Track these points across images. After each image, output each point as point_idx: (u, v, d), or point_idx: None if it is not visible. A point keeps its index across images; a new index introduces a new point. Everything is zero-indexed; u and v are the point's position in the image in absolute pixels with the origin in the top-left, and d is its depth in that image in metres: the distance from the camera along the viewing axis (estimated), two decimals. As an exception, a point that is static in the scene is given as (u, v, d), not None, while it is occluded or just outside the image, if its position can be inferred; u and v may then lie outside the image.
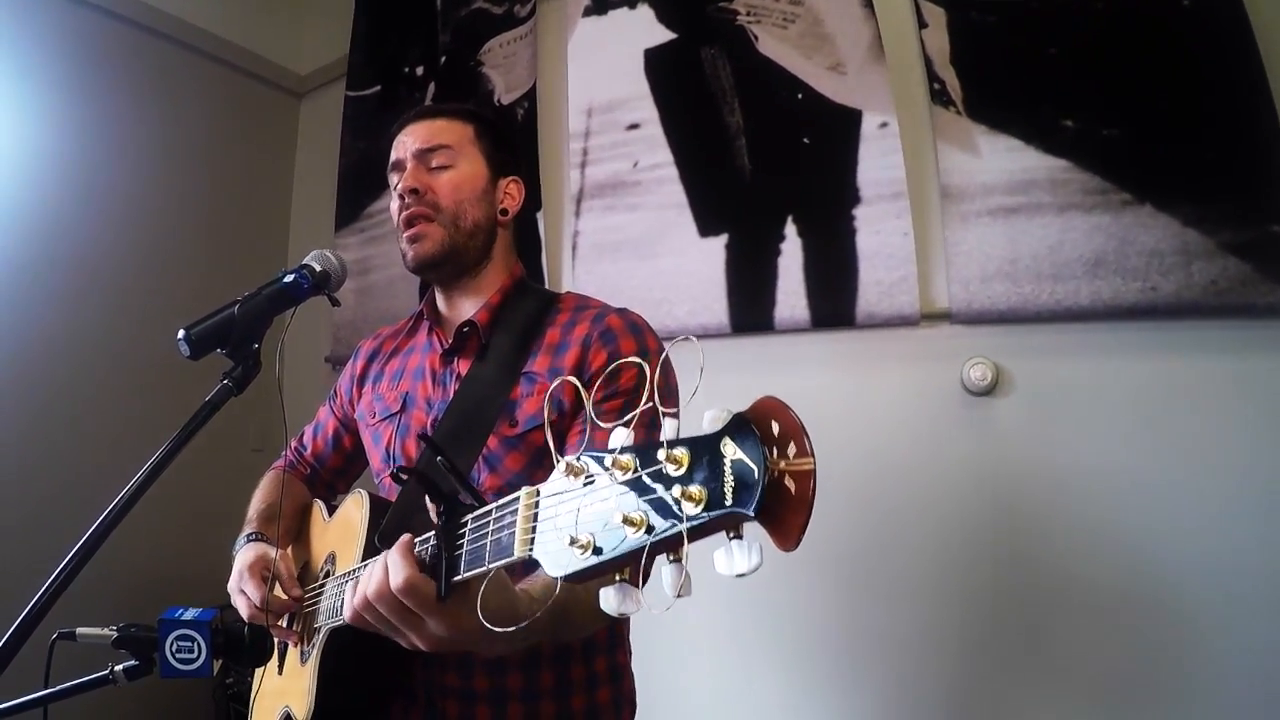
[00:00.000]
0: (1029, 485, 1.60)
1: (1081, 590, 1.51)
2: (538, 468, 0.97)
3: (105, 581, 1.47)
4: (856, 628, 1.73)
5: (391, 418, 1.13)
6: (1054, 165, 1.58)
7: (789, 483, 0.41)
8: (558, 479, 0.53)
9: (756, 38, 1.94)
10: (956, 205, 1.67)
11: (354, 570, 0.89)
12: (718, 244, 1.93)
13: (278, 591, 1.01)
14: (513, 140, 1.25)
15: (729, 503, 0.41)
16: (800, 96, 1.86)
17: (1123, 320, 1.51)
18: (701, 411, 0.45)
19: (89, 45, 2.27)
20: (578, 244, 2.14)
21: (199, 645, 0.85)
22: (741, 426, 0.42)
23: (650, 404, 0.46)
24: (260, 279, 0.97)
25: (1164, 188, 1.48)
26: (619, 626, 1.09)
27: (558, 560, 0.50)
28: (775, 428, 0.42)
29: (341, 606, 0.78)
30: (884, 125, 1.76)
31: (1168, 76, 1.50)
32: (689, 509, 0.43)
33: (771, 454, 0.41)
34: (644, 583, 0.47)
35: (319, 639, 0.95)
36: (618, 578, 0.48)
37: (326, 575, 1.03)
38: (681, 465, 0.44)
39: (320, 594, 1.00)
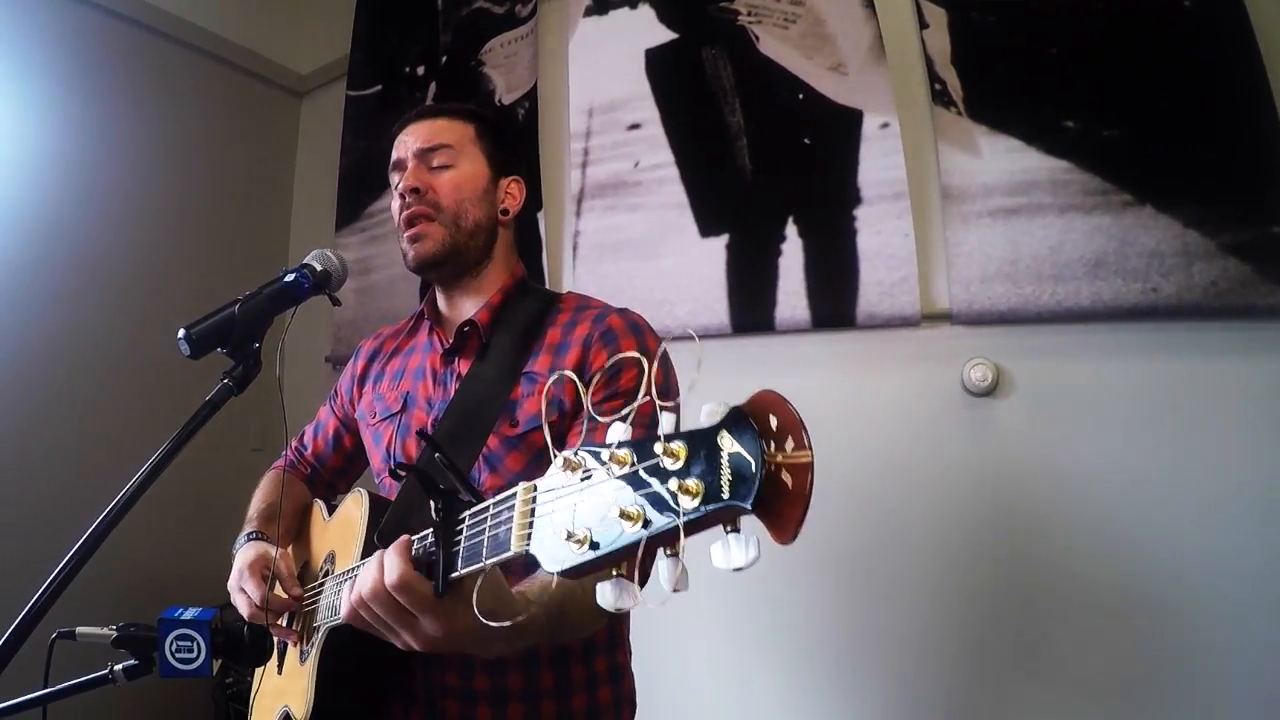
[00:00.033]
0: (1029, 486, 1.60)
1: (1081, 590, 1.51)
2: (539, 468, 0.96)
3: (105, 581, 1.47)
4: (856, 628, 1.73)
5: (392, 417, 1.13)
6: (1055, 166, 1.58)
7: (786, 476, 0.40)
8: (555, 474, 0.53)
9: (757, 38, 1.94)
10: (957, 206, 1.67)
11: (352, 569, 0.89)
12: (718, 244, 1.93)
13: (278, 590, 1.01)
14: (514, 140, 1.25)
15: (726, 496, 0.41)
16: (801, 97, 1.86)
17: (1123, 321, 1.51)
18: (701, 409, 0.45)
19: (89, 44, 2.27)
20: (578, 244, 2.14)
21: (199, 645, 0.85)
22: (739, 420, 0.42)
23: (649, 400, 0.46)
24: (261, 278, 0.97)
25: (1165, 189, 1.48)
26: (619, 626, 1.09)
27: (554, 555, 0.50)
28: (773, 421, 0.42)
29: (340, 605, 0.78)
30: (885, 126, 1.76)
31: (1168, 77, 1.50)
32: (686, 503, 0.43)
33: (769, 447, 0.41)
34: (644, 583, 0.47)
35: (318, 638, 0.95)
36: (615, 573, 0.48)
37: (326, 574, 1.03)
38: (679, 459, 0.44)
39: (320, 593, 1.00)
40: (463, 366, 1.08)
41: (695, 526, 0.44)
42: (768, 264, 1.86)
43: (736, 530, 0.43)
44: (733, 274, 1.90)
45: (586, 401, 0.51)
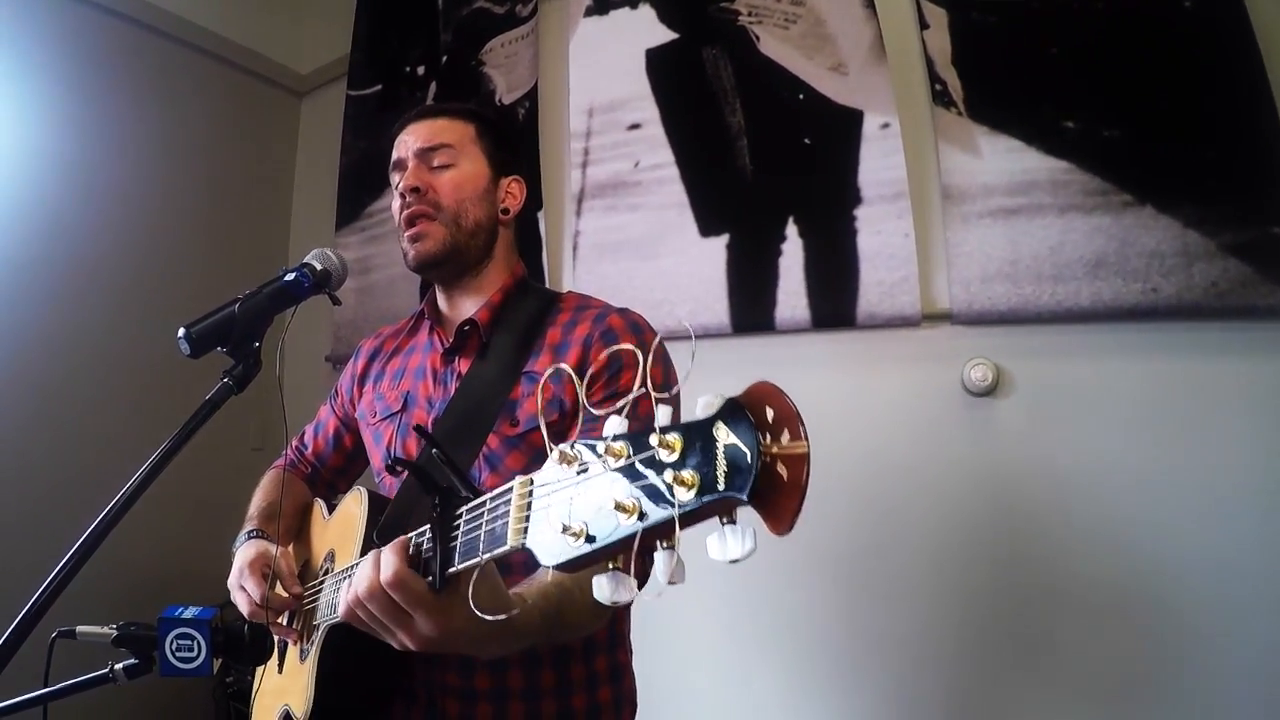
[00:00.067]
0: (1029, 486, 1.60)
1: (1082, 590, 1.51)
2: (539, 467, 0.96)
3: (105, 580, 1.47)
4: (857, 627, 1.73)
5: (392, 417, 1.13)
6: (1055, 166, 1.58)
7: (782, 467, 0.40)
8: (551, 468, 0.53)
9: (758, 38, 1.94)
10: (957, 206, 1.67)
11: (350, 567, 0.89)
12: (719, 244, 1.93)
13: (278, 589, 1.01)
14: (514, 139, 1.25)
15: (721, 487, 0.41)
16: (802, 97, 1.86)
17: (1123, 321, 1.51)
18: (697, 401, 0.45)
19: (89, 43, 2.26)
20: (578, 244, 2.14)
21: (199, 644, 0.85)
22: (734, 411, 0.42)
23: (645, 395, 0.46)
24: (261, 277, 0.97)
25: (1165, 189, 1.48)
26: (620, 625, 1.09)
27: (550, 549, 0.50)
28: (769, 412, 0.41)
29: (338, 603, 0.78)
30: (885, 126, 1.76)
31: (1169, 77, 1.50)
32: (681, 494, 0.43)
33: (765, 438, 0.41)
34: (644, 582, 0.47)
35: (318, 636, 0.95)
36: (611, 566, 0.47)
37: (326, 573, 1.03)
38: (674, 451, 0.44)
39: (319, 591, 1.00)
40: (463, 366, 1.08)
41: (691, 518, 0.43)
42: (768, 264, 1.86)
43: (733, 522, 0.42)
44: (733, 274, 1.90)
45: (582, 394, 0.51)
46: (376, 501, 0.99)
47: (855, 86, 1.81)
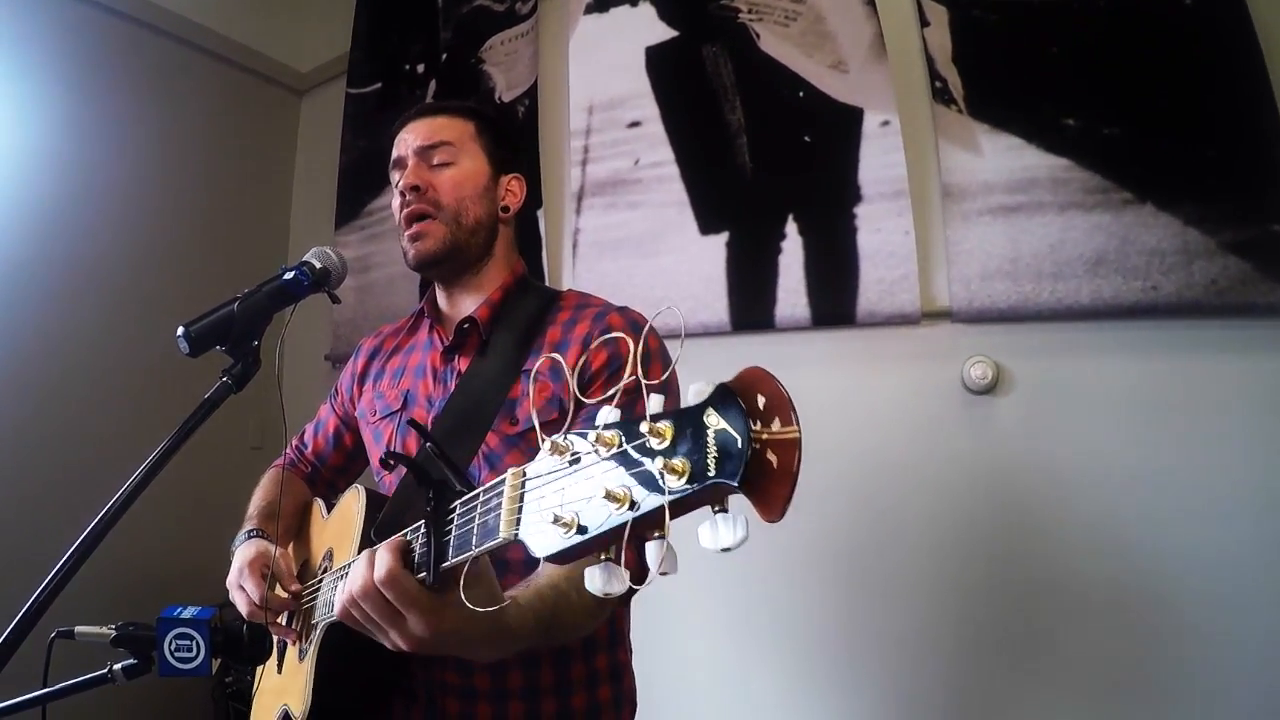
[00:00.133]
0: (1029, 484, 1.60)
1: (1081, 588, 1.51)
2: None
3: (104, 580, 1.47)
4: (856, 625, 1.73)
5: (392, 415, 1.12)
6: (1055, 164, 1.58)
7: (773, 453, 0.40)
8: (544, 459, 0.52)
9: (758, 35, 1.93)
10: (958, 204, 1.67)
11: (347, 565, 0.89)
12: (718, 242, 1.93)
13: (277, 590, 1.01)
14: (514, 137, 1.24)
15: (712, 474, 0.41)
16: (802, 94, 1.86)
17: (1123, 319, 1.51)
18: (689, 393, 0.44)
19: (88, 42, 2.26)
20: (578, 242, 2.14)
21: (198, 644, 0.85)
22: (725, 397, 0.42)
23: (637, 385, 0.46)
24: (260, 276, 0.96)
25: (1165, 187, 1.48)
26: (619, 624, 1.09)
27: (542, 540, 0.50)
28: (760, 398, 0.41)
29: (335, 602, 0.78)
30: (885, 123, 1.76)
31: (1169, 75, 1.50)
32: (671, 482, 0.42)
33: (755, 424, 0.40)
34: (643, 579, 0.46)
35: (316, 635, 0.95)
36: (603, 557, 0.47)
37: (325, 571, 1.03)
38: (665, 438, 0.44)
39: (318, 590, 1.00)
40: (462, 364, 1.08)
41: (682, 506, 0.43)
42: (768, 262, 1.85)
43: (725, 510, 0.42)
44: (733, 272, 1.90)
45: (573, 384, 0.50)
46: (374, 499, 0.99)
47: (855, 84, 1.81)
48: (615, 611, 1.04)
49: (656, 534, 0.44)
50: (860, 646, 1.72)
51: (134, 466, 0.81)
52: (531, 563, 0.52)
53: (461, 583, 0.59)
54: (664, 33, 2.08)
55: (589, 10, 2.21)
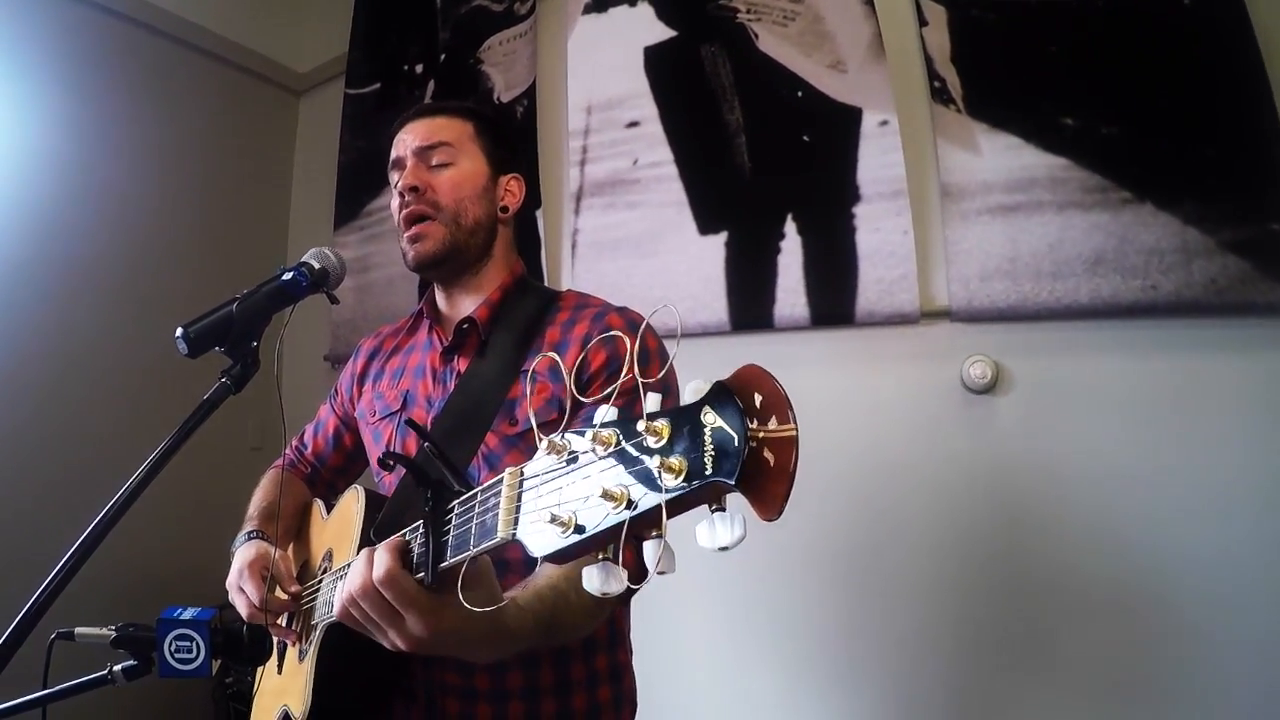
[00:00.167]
0: (1028, 483, 1.60)
1: (1080, 587, 1.52)
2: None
3: (104, 581, 1.47)
4: (856, 625, 1.73)
5: (392, 416, 1.12)
6: (1054, 163, 1.58)
7: (770, 451, 0.40)
8: (541, 458, 0.52)
9: (756, 35, 1.93)
10: (956, 203, 1.67)
11: (346, 565, 0.89)
12: (717, 242, 1.93)
13: (277, 592, 1.01)
14: (512, 137, 1.24)
15: (709, 472, 0.41)
16: (800, 94, 1.86)
17: (1122, 318, 1.51)
18: (686, 391, 0.44)
19: (86, 42, 2.26)
20: (577, 242, 2.14)
21: (198, 645, 0.84)
22: (721, 395, 0.42)
23: (632, 377, 0.46)
24: (259, 277, 0.96)
25: (1164, 186, 1.48)
26: (620, 624, 1.09)
27: (540, 540, 0.50)
28: (756, 395, 0.41)
29: (334, 602, 0.78)
30: (884, 123, 1.76)
31: (1168, 75, 1.50)
32: (668, 480, 0.42)
33: (752, 422, 0.40)
34: (643, 578, 0.46)
35: (315, 636, 0.95)
36: (601, 556, 0.47)
37: (324, 572, 1.03)
38: (662, 437, 0.44)
39: (317, 591, 1.00)
40: (461, 364, 1.08)
41: (679, 505, 0.43)
42: (767, 262, 1.85)
43: (722, 509, 0.42)
44: (732, 272, 1.90)
45: (569, 383, 0.50)
46: (373, 500, 0.99)
47: (854, 84, 1.81)
48: (615, 612, 1.04)
49: (654, 533, 0.44)
50: (860, 646, 1.72)
51: (133, 467, 0.81)
52: (531, 562, 0.52)
53: (459, 583, 0.59)
54: (662, 33, 2.08)
55: (587, 10, 2.21)
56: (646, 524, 0.44)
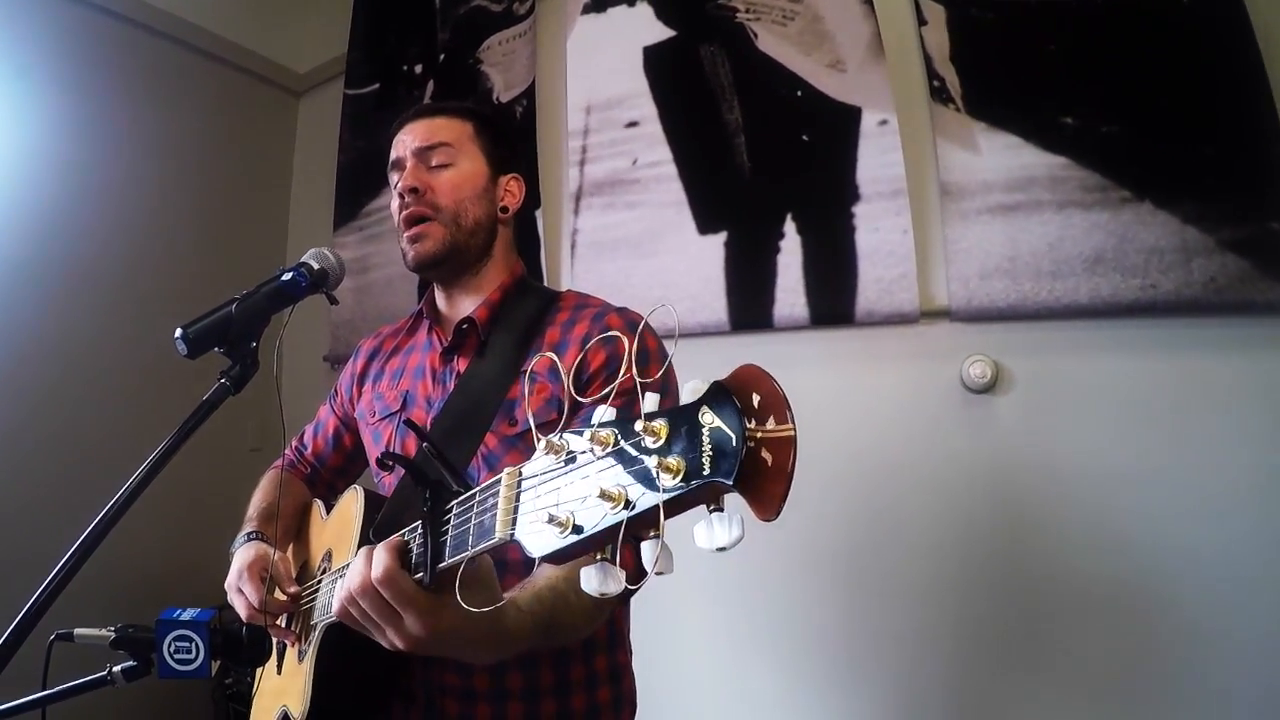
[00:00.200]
0: (1028, 482, 1.60)
1: (1080, 585, 1.52)
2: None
3: (103, 582, 1.47)
4: (855, 625, 1.73)
5: (391, 416, 1.12)
6: (1053, 162, 1.58)
7: (768, 451, 0.40)
8: (540, 458, 0.52)
9: (756, 35, 1.93)
10: (956, 202, 1.67)
11: (345, 565, 0.89)
12: (717, 242, 1.93)
13: (276, 593, 1.01)
14: (512, 137, 1.24)
15: (707, 472, 0.41)
16: (800, 94, 1.86)
17: (1122, 317, 1.51)
18: (684, 391, 0.44)
19: (85, 43, 2.26)
20: (576, 242, 2.14)
21: (197, 646, 0.85)
22: (719, 394, 0.42)
23: (633, 383, 0.46)
24: (258, 277, 0.96)
25: (1163, 185, 1.48)
26: (619, 625, 1.09)
27: (538, 540, 0.50)
28: (754, 395, 0.41)
29: (333, 603, 0.78)
30: (883, 122, 1.76)
31: (1167, 74, 1.50)
32: (666, 481, 0.42)
33: (750, 422, 0.40)
34: (634, 574, 0.46)
35: (315, 636, 0.95)
36: (599, 557, 0.47)
37: (323, 573, 1.03)
38: (660, 437, 0.43)
39: (316, 591, 1.00)
40: (461, 365, 1.08)
41: (677, 505, 0.43)
42: (766, 261, 1.85)
43: (720, 509, 0.42)
44: (731, 272, 1.90)
45: (568, 383, 0.50)
46: (373, 500, 0.99)
47: (853, 83, 1.81)
48: (615, 613, 1.04)
49: (652, 533, 0.44)
50: (859, 646, 1.72)
51: (133, 468, 0.81)
52: (530, 562, 0.52)
53: (457, 583, 0.58)
54: (662, 32, 2.08)
55: (586, 10, 2.21)
56: (644, 524, 0.44)
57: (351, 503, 1.01)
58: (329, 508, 1.16)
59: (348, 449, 1.30)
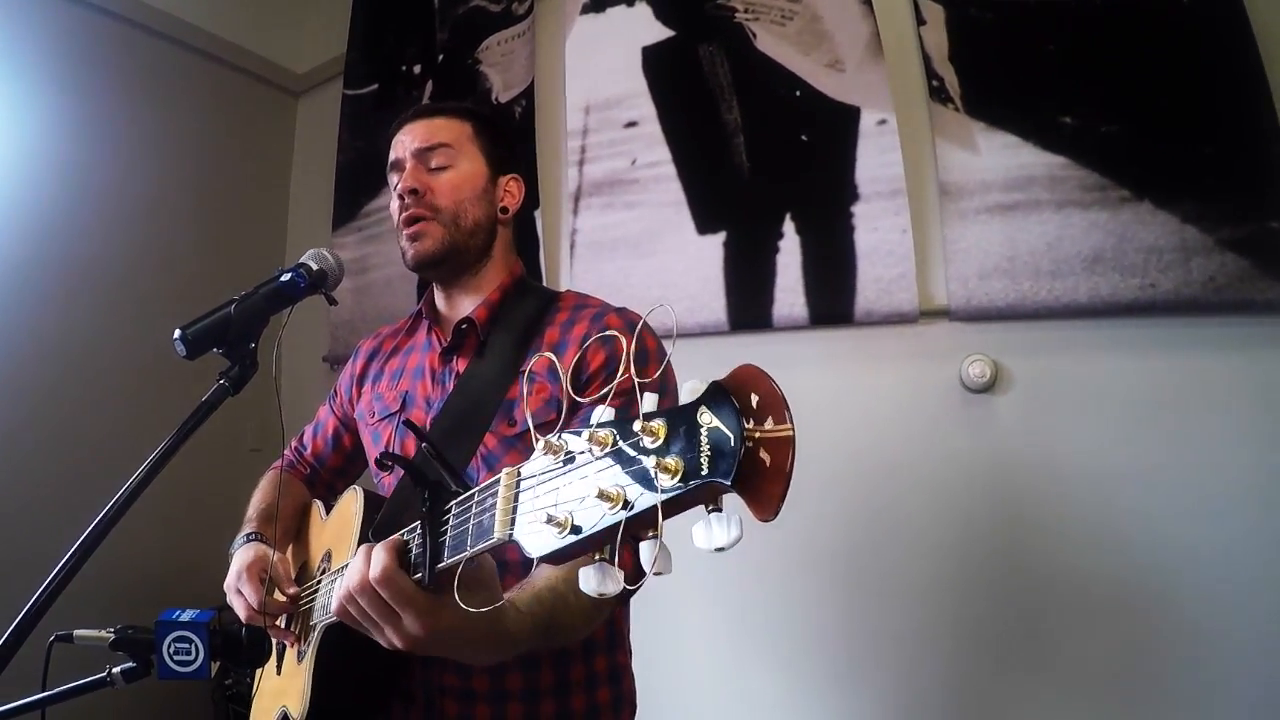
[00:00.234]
0: (1027, 482, 1.60)
1: (1079, 585, 1.52)
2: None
3: (103, 582, 1.47)
4: (854, 625, 1.73)
5: (391, 417, 1.12)
6: (1052, 162, 1.58)
7: (766, 451, 0.40)
8: (538, 458, 0.52)
9: (755, 35, 1.93)
10: (955, 202, 1.67)
11: (344, 566, 0.89)
12: (716, 242, 1.93)
13: (275, 594, 1.01)
14: (511, 137, 1.24)
15: (705, 472, 0.41)
16: (798, 93, 1.86)
17: (1121, 317, 1.51)
18: (683, 391, 0.44)
19: (84, 43, 2.25)
20: (575, 242, 2.14)
21: (196, 647, 0.85)
22: (717, 394, 0.42)
23: (632, 383, 0.46)
24: (257, 278, 0.96)
25: (1162, 184, 1.48)
26: (619, 626, 1.09)
27: (537, 541, 0.50)
28: (753, 395, 0.41)
29: (333, 603, 0.78)
30: (882, 122, 1.76)
31: (1166, 73, 1.50)
32: (664, 481, 0.42)
33: (748, 422, 0.40)
34: (633, 574, 0.46)
35: (314, 637, 0.95)
36: (597, 557, 0.47)
37: (323, 573, 1.03)
38: (658, 437, 0.43)
39: (316, 592, 1.00)
40: (460, 365, 1.08)
41: (675, 505, 0.43)
42: (765, 261, 1.85)
43: (719, 509, 0.42)
44: (730, 271, 1.90)
45: (566, 383, 0.51)
46: (372, 500, 0.99)
47: (852, 83, 1.81)
48: (614, 613, 1.04)
49: (651, 534, 0.44)
50: (858, 646, 1.72)
51: (133, 468, 0.81)
52: (530, 562, 0.52)
53: (456, 583, 0.58)
54: (660, 32, 2.08)
55: (585, 10, 2.21)
56: (643, 525, 0.44)
57: (351, 503, 1.01)
58: (328, 508, 1.16)
59: (347, 449, 1.30)
